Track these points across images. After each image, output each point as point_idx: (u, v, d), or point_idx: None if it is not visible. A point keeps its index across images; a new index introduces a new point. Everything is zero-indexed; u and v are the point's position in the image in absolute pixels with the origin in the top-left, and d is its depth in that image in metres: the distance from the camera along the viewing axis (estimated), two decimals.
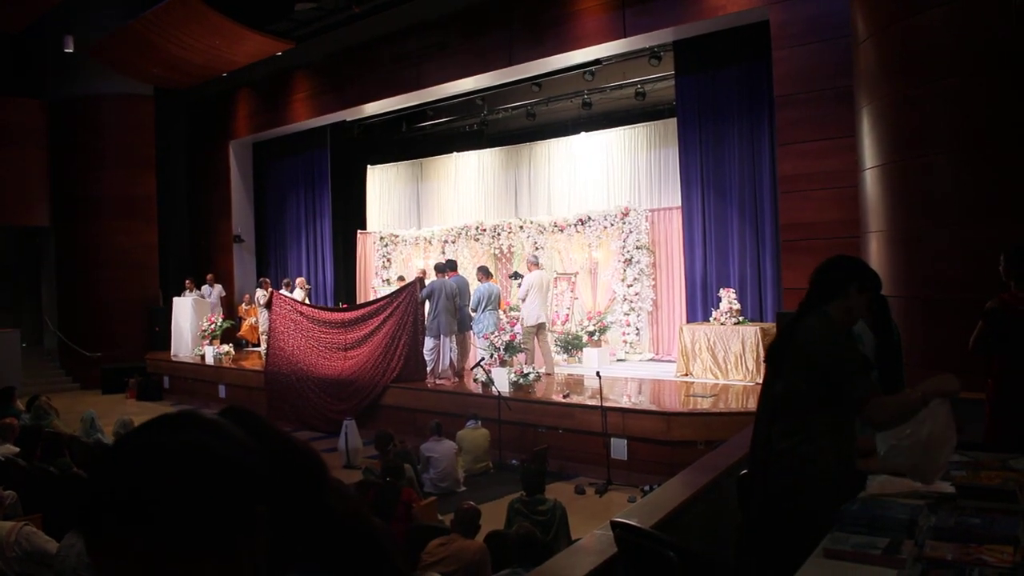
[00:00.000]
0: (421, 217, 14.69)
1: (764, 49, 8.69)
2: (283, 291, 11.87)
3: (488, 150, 13.71)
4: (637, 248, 10.79)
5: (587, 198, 12.28)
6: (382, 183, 15.21)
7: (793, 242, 8.27)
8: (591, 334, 10.31)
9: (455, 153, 14.13)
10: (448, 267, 9.93)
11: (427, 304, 9.55)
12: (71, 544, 3.31)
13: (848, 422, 2.33)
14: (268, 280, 13.08)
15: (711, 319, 9.07)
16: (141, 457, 0.66)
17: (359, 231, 14.69)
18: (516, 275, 10.24)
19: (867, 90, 6.13)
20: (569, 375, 9.61)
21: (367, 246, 14.45)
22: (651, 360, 10.60)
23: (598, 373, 7.19)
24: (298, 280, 12.76)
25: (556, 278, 11.66)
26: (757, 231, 9.42)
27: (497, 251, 12.56)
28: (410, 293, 9.56)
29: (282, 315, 10.53)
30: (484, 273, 9.76)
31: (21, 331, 13.00)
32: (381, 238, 14.02)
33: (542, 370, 9.28)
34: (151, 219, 14.90)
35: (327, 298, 14.20)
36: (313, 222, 14.63)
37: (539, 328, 9.42)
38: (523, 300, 9.46)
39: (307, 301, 12.04)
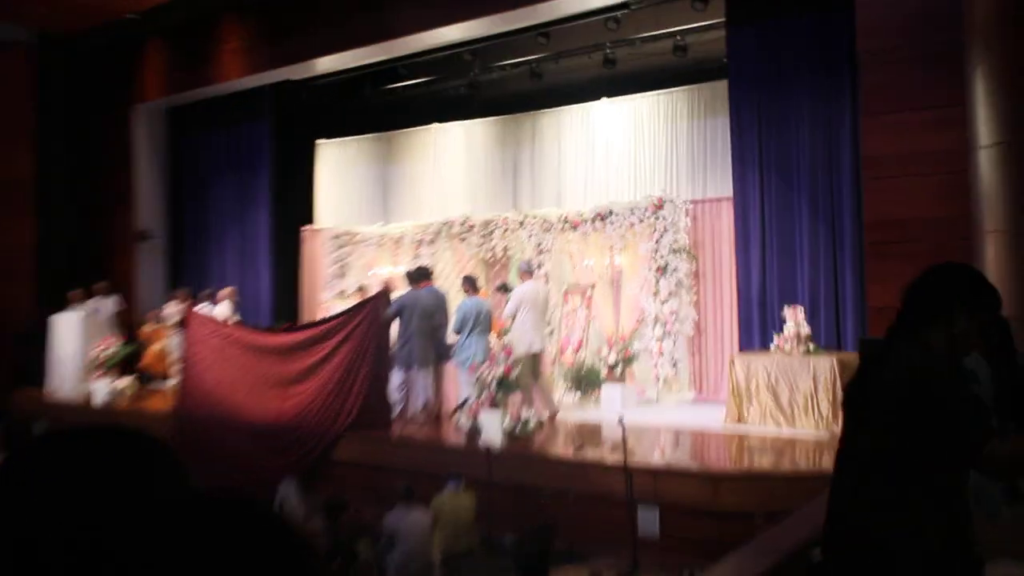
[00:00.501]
0: (389, 209, 14.74)
1: None
2: (203, 306, 11.96)
3: (479, 121, 13.82)
4: (674, 252, 10.88)
5: (609, 185, 12.37)
6: (338, 164, 15.28)
7: (882, 245, 8.29)
8: (612, 367, 10.39)
9: (435, 125, 14.23)
10: (423, 276, 9.99)
11: (395, 325, 9.59)
12: None
13: (957, 490, 2.29)
14: (184, 291, 13.09)
15: (772, 347, 9.11)
16: None
17: (306, 227, 14.74)
18: (504, 287, 10.37)
19: (982, 45, 6.13)
20: (582, 422, 9.66)
21: (316, 247, 14.48)
22: (692, 402, 10.66)
23: (621, 419, 7.12)
24: (224, 291, 12.80)
25: (566, 292, 11.73)
26: (834, 230, 9.47)
27: (489, 255, 12.60)
28: (372, 311, 9.61)
29: (201, 338, 10.57)
30: (471, 285, 9.83)
31: None
32: (335, 237, 14.05)
33: (545, 415, 9.30)
34: (25, 211, 14.89)
35: (262, 315, 14.31)
36: (246, 215, 14.72)
37: (532, 358, 9.52)
38: (511, 319, 9.61)
39: (235, 319, 12.05)
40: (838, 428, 8.17)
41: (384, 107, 14.50)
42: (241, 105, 14.48)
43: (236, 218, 14.84)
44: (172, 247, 15.66)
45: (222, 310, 12.36)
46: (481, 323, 9.57)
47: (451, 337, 10.05)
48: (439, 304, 9.83)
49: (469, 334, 9.52)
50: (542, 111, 13.20)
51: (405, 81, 13.68)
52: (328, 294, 13.96)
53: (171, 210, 15.69)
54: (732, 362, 9.06)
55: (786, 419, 8.66)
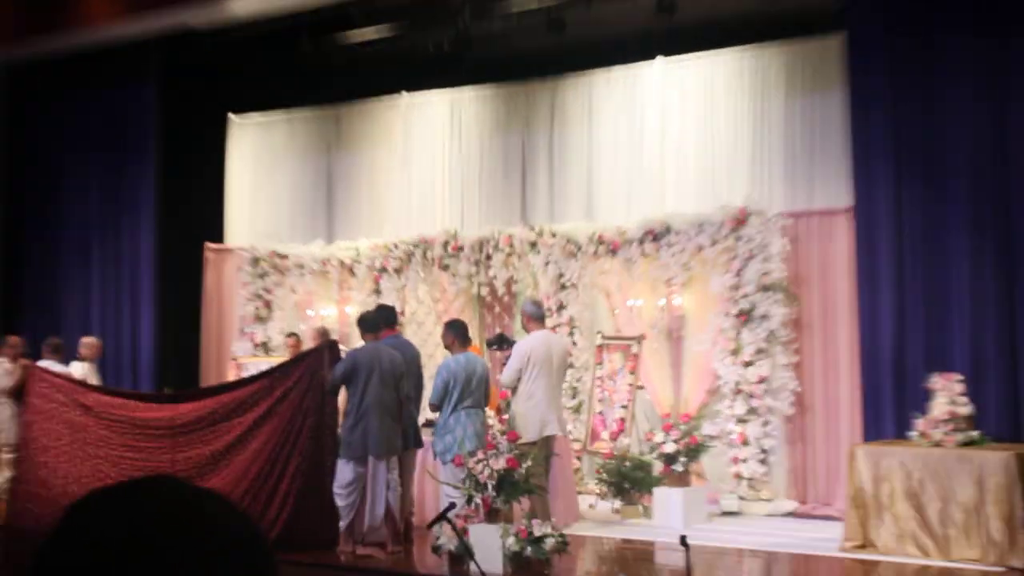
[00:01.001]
0: (335, 220, 14.71)
1: None
2: (47, 362, 11.75)
3: (470, 91, 13.86)
4: (764, 290, 10.88)
5: (665, 189, 12.34)
6: (259, 152, 15.28)
7: None
8: (670, 460, 10.30)
9: (405, 96, 14.29)
10: (386, 322, 9.94)
11: (343, 395, 9.54)
12: None
13: None
14: (17, 339, 12.87)
15: (913, 435, 9.06)
16: None
17: (209, 244, 14.63)
18: (500, 341, 10.41)
19: None
20: (624, 541, 9.60)
21: (226, 275, 14.35)
22: (792, 516, 10.61)
23: (683, 539, 7.00)
24: (83, 342, 12.67)
25: (601, 347, 11.66)
26: (1011, 259, 9.48)
27: (485, 291, 12.50)
28: (308, 372, 9.59)
29: (47, 411, 10.46)
30: (457, 335, 9.77)
31: None
32: (255, 260, 14.01)
33: (567, 530, 9.24)
34: None
35: (142, 376, 14.18)
36: (120, 224, 14.63)
37: (545, 444, 9.63)
38: (512, 389, 9.74)
39: (96, 383, 11.84)
40: (1018, 560, 8.17)
41: (330, 69, 14.43)
42: (115, 63, 14.50)
43: (105, 229, 14.80)
44: (2, 271, 15.60)
45: (80, 369, 12.22)
46: (473, 393, 9.50)
47: (428, 413, 9.95)
48: (409, 364, 9.73)
49: (454, 409, 9.47)
50: (565, 77, 13.27)
51: (361, 31, 13.65)
52: (243, 345, 13.89)
53: (3, 214, 15.65)
54: (852, 457, 9.00)
55: (936, 544, 8.58)
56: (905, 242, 9.96)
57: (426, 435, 10.09)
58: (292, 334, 12.99)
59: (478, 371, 9.61)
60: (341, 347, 9.96)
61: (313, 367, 9.58)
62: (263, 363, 12.16)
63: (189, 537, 1.13)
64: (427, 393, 10.10)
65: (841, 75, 10.58)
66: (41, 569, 1.14)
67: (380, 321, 9.84)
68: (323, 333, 11.87)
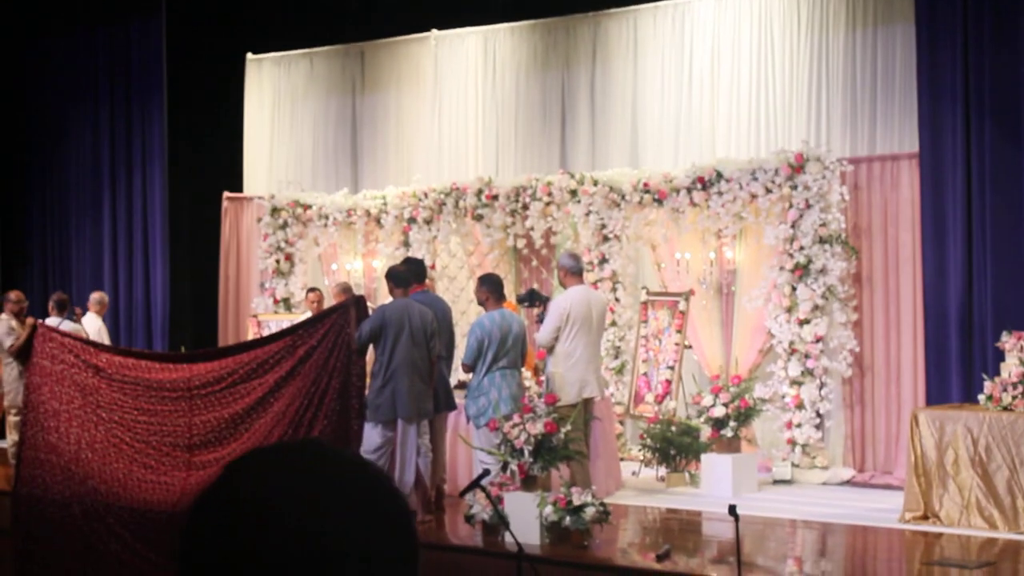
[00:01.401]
0: (361, 167, 14.74)
1: None
2: (55, 320, 11.89)
3: (505, 26, 13.86)
4: (822, 242, 10.90)
5: (716, 133, 12.36)
6: (279, 94, 15.33)
7: None
8: (718, 424, 10.39)
9: (435, 33, 14.33)
10: (415, 276, 10.06)
11: (371, 354, 9.69)
12: None
13: None
14: (19, 295, 12.73)
15: (981, 399, 9.08)
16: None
17: (227, 194, 14.78)
18: (532, 297, 10.36)
19: None
20: (669, 510, 9.69)
21: (244, 226, 14.46)
22: (847, 483, 10.70)
23: (733, 509, 7.12)
24: (93, 297, 12.83)
25: (646, 303, 11.78)
26: None
27: (521, 241, 12.58)
28: (334, 330, 9.58)
29: (56, 372, 10.45)
30: (491, 290, 9.92)
31: None
32: (275, 210, 14.13)
33: (608, 499, 9.35)
34: None
35: (156, 334, 14.25)
36: (128, 172, 14.66)
37: (585, 407, 9.68)
38: (549, 349, 9.76)
39: (106, 341, 12.05)
40: None
41: (354, 2, 14.54)
42: None
43: (114, 177, 14.85)
44: (2, 221, 15.84)
45: (88, 325, 12.42)
46: (508, 352, 9.61)
47: (460, 374, 10.14)
48: (441, 321, 9.83)
49: (489, 370, 9.58)
50: (608, 11, 13.22)
51: None
52: (263, 301, 13.98)
53: (2, 162, 15.82)
54: (915, 421, 9.04)
55: (1003, 515, 8.61)
56: (975, 190, 9.98)
57: (458, 397, 10.18)
58: (314, 289, 12.94)
59: (514, 329, 9.68)
60: (368, 303, 9.97)
61: (339, 324, 9.50)
62: (284, 320, 12.18)
63: (346, 508, 1.30)
64: (459, 353, 10.28)
65: (908, 7, 10.58)
66: (197, 526, 1.32)
67: (409, 275, 9.88)
68: (346, 289, 11.84)
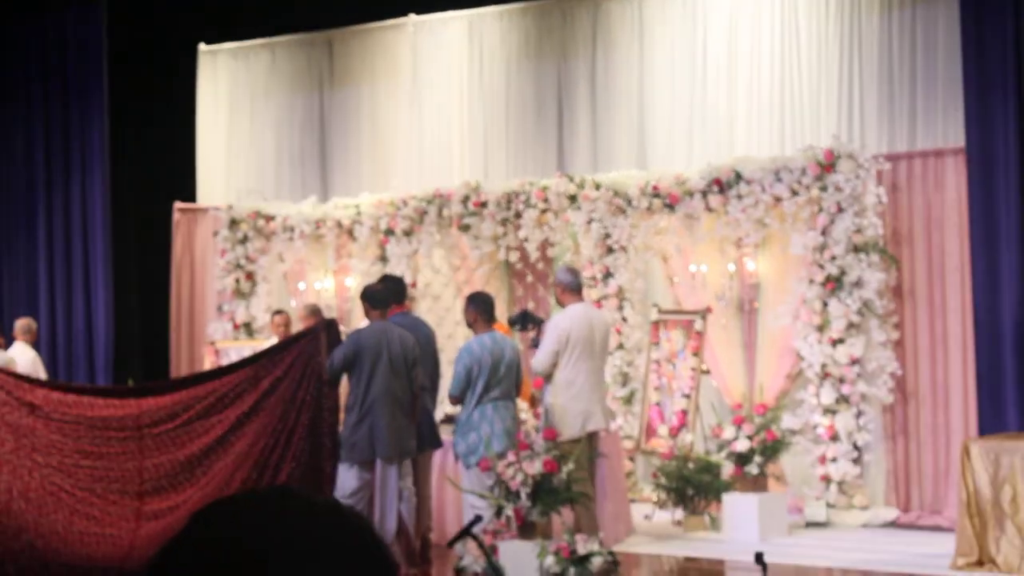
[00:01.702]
0: (330, 172, 14.81)
1: None
2: None
3: (494, 9, 13.85)
4: (856, 251, 10.83)
5: (734, 128, 12.37)
6: (236, 87, 15.34)
7: None
8: (742, 460, 10.34)
9: (412, 18, 14.31)
10: (394, 296, 10.06)
11: (346, 384, 9.62)
12: None
13: None
14: None
15: None
16: None
17: (178, 204, 14.71)
18: (524, 319, 10.31)
19: None
20: (687, 559, 9.71)
21: (197, 240, 14.39)
22: (891, 525, 10.63)
23: (760, 557, 6.98)
24: (19, 325, 12.79)
25: (657, 323, 11.73)
26: None
27: (514, 254, 12.54)
28: (303, 357, 9.61)
29: None
30: (481, 310, 9.85)
31: None
32: (233, 222, 14.08)
33: (617, 546, 9.36)
34: None
35: (96, 367, 14.25)
36: (65, 179, 14.69)
37: (590, 442, 9.70)
38: (547, 377, 9.77)
39: (42, 374, 11.96)
40: None
41: None
42: None
43: (49, 185, 14.87)
44: None
45: (21, 356, 12.32)
46: (501, 381, 9.58)
47: (447, 406, 10.05)
48: (424, 347, 9.84)
49: (479, 401, 9.54)
50: None
51: None
52: (221, 326, 13.96)
53: None
54: (966, 453, 8.96)
55: None
56: None
57: (445, 433, 10.16)
58: (279, 311, 12.92)
59: (507, 355, 9.64)
60: (341, 328, 9.99)
61: (308, 352, 9.55)
62: (246, 348, 12.22)
63: (324, 560, 1.32)
64: (446, 383, 10.15)
65: None
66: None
67: (387, 295, 9.90)
68: (315, 312, 11.82)
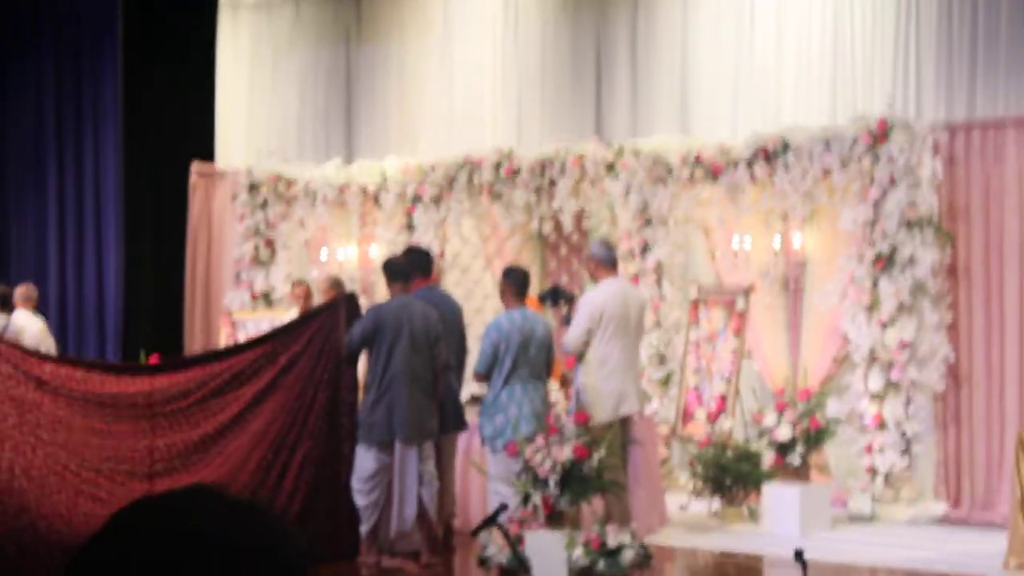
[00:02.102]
0: (355, 135, 14.80)
1: None
2: None
3: None
4: (909, 227, 10.71)
5: (782, 96, 12.35)
6: (258, 44, 15.35)
7: None
8: (783, 449, 10.30)
9: None
10: (419, 268, 10.00)
11: (365, 359, 9.57)
12: None
13: None
14: None
15: None
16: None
17: (196, 166, 14.72)
18: (555, 295, 10.29)
19: None
20: (723, 553, 9.69)
21: (215, 204, 14.47)
22: (940, 521, 10.57)
23: (799, 554, 6.83)
24: (19, 291, 12.77)
25: (696, 301, 11.71)
26: None
27: (547, 225, 12.53)
28: (322, 333, 9.63)
29: None
30: (513, 285, 9.81)
31: None
32: (252, 186, 14.10)
33: (650, 538, 9.38)
34: None
35: (108, 337, 14.30)
36: (78, 140, 14.69)
37: (623, 427, 9.67)
38: (579, 355, 9.76)
39: (47, 344, 12.03)
40: None
41: None
42: None
43: (56, 146, 14.91)
44: None
45: (29, 325, 12.35)
46: (530, 360, 9.59)
47: (473, 386, 10.03)
48: (449, 323, 9.83)
49: (507, 381, 9.54)
50: None
51: None
52: (238, 296, 13.98)
53: None
54: (1022, 445, 8.93)
55: None
56: None
57: (471, 414, 10.16)
58: (300, 281, 12.94)
59: (537, 332, 9.64)
60: (361, 301, 9.99)
61: (327, 328, 9.57)
62: (264, 320, 12.29)
63: (236, 561, 1.39)
64: (473, 360, 10.11)
65: None
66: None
67: (411, 267, 9.88)
68: (336, 284, 11.80)
